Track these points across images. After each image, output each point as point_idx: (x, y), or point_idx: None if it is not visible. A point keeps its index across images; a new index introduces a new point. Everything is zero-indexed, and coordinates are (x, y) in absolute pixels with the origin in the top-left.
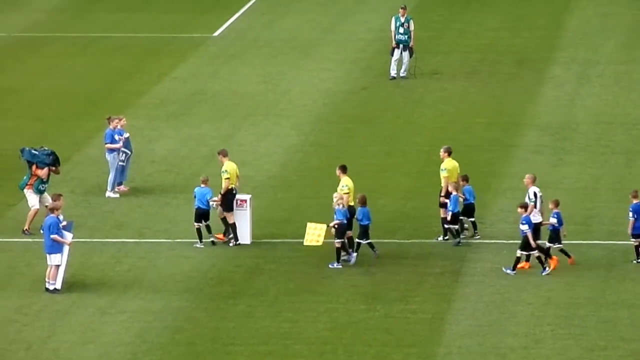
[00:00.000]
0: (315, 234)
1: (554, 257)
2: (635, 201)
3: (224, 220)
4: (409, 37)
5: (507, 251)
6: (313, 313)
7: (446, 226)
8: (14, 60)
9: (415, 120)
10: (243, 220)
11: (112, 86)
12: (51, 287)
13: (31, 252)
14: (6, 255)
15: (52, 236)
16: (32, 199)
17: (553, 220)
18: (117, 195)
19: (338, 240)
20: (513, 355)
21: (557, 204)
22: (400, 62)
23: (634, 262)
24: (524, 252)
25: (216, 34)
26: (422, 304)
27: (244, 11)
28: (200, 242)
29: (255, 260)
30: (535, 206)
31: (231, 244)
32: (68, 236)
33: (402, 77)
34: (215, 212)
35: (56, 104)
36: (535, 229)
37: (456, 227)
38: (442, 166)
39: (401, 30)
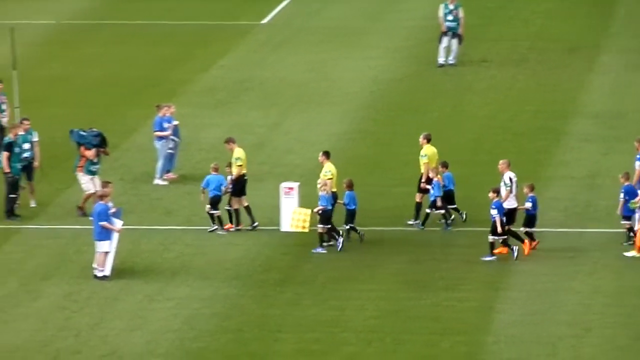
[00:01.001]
0: (300, 219)
1: (526, 241)
2: (626, 183)
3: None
4: (458, 24)
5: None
6: (360, 301)
7: (429, 211)
8: (63, 48)
9: (464, 108)
10: (291, 207)
11: (161, 74)
12: (100, 274)
13: (80, 239)
14: (55, 242)
15: (101, 223)
16: (85, 182)
17: (528, 205)
18: (166, 183)
19: (321, 226)
20: (561, 344)
21: (532, 188)
22: (448, 49)
23: (624, 244)
24: (496, 237)
25: (264, 21)
26: (470, 292)
27: None
28: (222, 227)
29: (302, 248)
30: (511, 191)
31: (249, 228)
32: (117, 223)
33: (450, 64)
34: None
35: (105, 91)
36: (511, 213)
37: (442, 211)
38: (422, 152)
39: (450, 17)
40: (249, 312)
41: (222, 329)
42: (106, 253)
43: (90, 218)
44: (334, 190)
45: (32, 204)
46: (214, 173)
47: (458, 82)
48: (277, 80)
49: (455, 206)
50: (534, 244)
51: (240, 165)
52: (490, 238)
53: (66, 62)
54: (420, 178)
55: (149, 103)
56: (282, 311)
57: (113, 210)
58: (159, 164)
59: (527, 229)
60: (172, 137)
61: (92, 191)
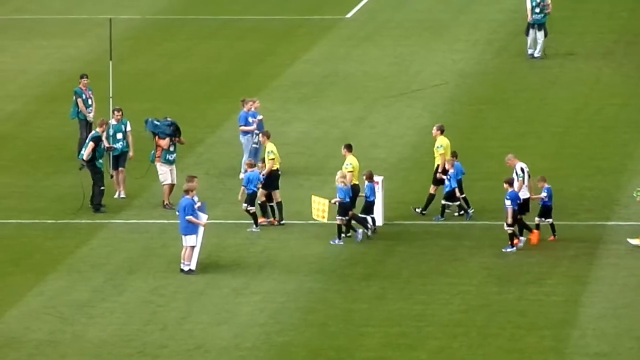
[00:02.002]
0: (320, 209)
1: (534, 230)
2: None
3: (262, 203)
4: (545, 17)
5: None
6: (446, 295)
7: (448, 203)
8: (148, 43)
9: (550, 101)
10: (375, 201)
11: (246, 69)
12: (186, 268)
13: (166, 233)
14: (142, 236)
15: (187, 217)
16: (162, 172)
17: (543, 194)
18: None
19: (339, 217)
20: None
21: (544, 179)
22: (534, 41)
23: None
24: (512, 228)
25: (348, 15)
26: (556, 286)
27: None
28: (257, 225)
29: (387, 242)
30: (523, 182)
31: (276, 224)
32: (203, 217)
33: (536, 57)
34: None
35: (190, 86)
36: (524, 203)
37: (457, 203)
38: (437, 144)
39: (537, 9)
40: (334, 306)
41: (307, 322)
42: (192, 247)
43: (176, 212)
44: (356, 182)
45: (122, 195)
46: (250, 170)
47: (544, 75)
48: (361, 74)
49: (463, 195)
50: (553, 237)
51: (273, 159)
52: (507, 229)
53: (151, 57)
54: (436, 169)
55: (234, 98)
56: (368, 305)
57: (198, 204)
58: (245, 158)
59: (542, 220)
60: (257, 131)
61: (168, 182)
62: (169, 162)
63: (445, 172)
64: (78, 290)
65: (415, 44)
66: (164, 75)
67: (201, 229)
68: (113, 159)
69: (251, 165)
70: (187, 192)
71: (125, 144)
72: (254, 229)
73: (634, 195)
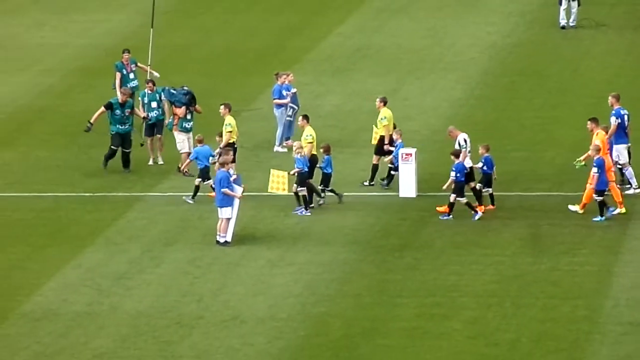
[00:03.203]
0: (279, 181)
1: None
2: (597, 156)
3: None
4: None
5: None
6: (479, 265)
7: (392, 172)
8: (185, 17)
9: (582, 73)
10: (408, 173)
11: (280, 42)
12: (222, 240)
13: (202, 205)
14: (178, 208)
15: (222, 190)
16: (179, 140)
17: (479, 165)
18: (285, 150)
19: (300, 188)
20: None
21: (487, 148)
22: (568, 11)
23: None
24: (458, 198)
25: None
26: (589, 256)
27: None
28: (193, 197)
29: (421, 214)
30: (468, 151)
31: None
32: (238, 190)
33: (571, 26)
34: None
35: (226, 60)
36: (469, 172)
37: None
38: (381, 115)
39: None
40: (368, 277)
41: (342, 293)
42: (228, 219)
43: (212, 185)
44: (314, 153)
45: (160, 161)
46: (199, 145)
47: (576, 46)
48: (395, 47)
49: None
50: (492, 206)
51: (230, 132)
52: (452, 198)
53: (187, 32)
54: (380, 140)
55: (268, 71)
56: (402, 276)
57: (234, 177)
58: (279, 132)
59: (484, 188)
60: (290, 104)
61: (186, 150)
62: (186, 130)
63: (391, 142)
64: (115, 263)
65: (448, 17)
66: (200, 49)
67: (237, 201)
68: (148, 126)
69: (200, 141)
70: (222, 165)
71: (160, 112)
72: (189, 200)
73: (575, 164)
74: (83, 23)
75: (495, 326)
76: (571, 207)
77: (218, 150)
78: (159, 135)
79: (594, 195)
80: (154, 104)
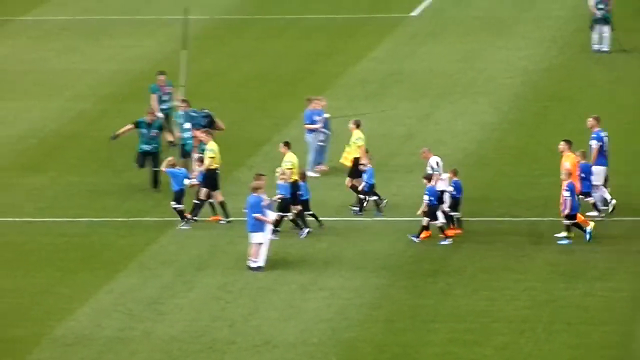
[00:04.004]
0: None
1: (451, 226)
2: (582, 161)
3: (202, 202)
4: (609, 12)
5: None
6: (511, 291)
7: (360, 196)
8: (216, 42)
9: (615, 98)
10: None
11: (311, 67)
12: (254, 265)
13: (233, 230)
14: (209, 233)
15: (254, 215)
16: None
17: (450, 189)
18: (317, 175)
19: (278, 214)
20: None
21: (455, 172)
22: (600, 36)
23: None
24: (431, 222)
25: (413, 13)
26: (622, 282)
27: None
28: (185, 221)
29: (453, 239)
30: (439, 175)
31: (223, 222)
32: (270, 215)
33: (604, 51)
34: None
35: (257, 85)
36: (440, 196)
37: (372, 197)
38: (355, 137)
39: (601, 5)
40: (400, 302)
41: (373, 318)
42: (260, 244)
43: (244, 210)
44: (295, 179)
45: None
46: (172, 169)
47: (609, 72)
48: (427, 72)
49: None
50: (457, 231)
51: (212, 157)
52: (425, 222)
53: (219, 57)
54: (355, 162)
55: (299, 96)
56: (434, 301)
57: (266, 202)
58: (310, 157)
59: (453, 213)
60: (322, 129)
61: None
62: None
63: (361, 164)
64: (148, 287)
65: (480, 41)
66: (231, 74)
67: (268, 226)
68: (180, 147)
69: (172, 166)
70: (254, 190)
71: (190, 134)
72: (184, 227)
73: None
74: (113, 48)
75: (528, 352)
76: (559, 236)
77: (196, 174)
78: (189, 158)
79: (565, 220)
80: (187, 125)
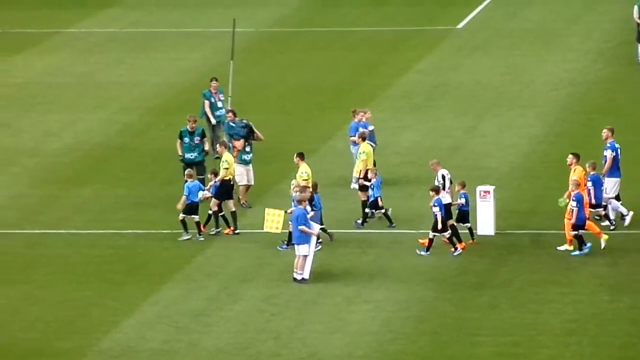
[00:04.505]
0: (274, 220)
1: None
2: (592, 172)
3: (215, 213)
4: None
5: None
6: (558, 304)
7: (372, 211)
8: (262, 55)
9: None
10: (487, 211)
11: (357, 79)
12: (299, 277)
13: (279, 242)
14: (254, 246)
15: (299, 227)
16: (238, 173)
17: (462, 201)
18: None
19: (321, 227)
20: None
21: (463, 185)
22: None
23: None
24: (436, 234)
25: (460, 25)
26: None
27: (488, 3)
28: (187, 232)
29: (499, 251)
30: (444, 187)
31: (225, 231)
32: (315, 227)
33: None
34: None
35: (303, 97)
36: (446, 209)
37: (382, 211)
38: (360, 150)
39: None
40: (445, 315)
41: (419, 331)
42: (305, 256)
43: (289, 222)
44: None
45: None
46: (189, 180)
47: None
48: (473, 84)
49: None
50: (472, 241)
51: (227, 169)
52: (431, 234)
53: (264, 69)
54: (359, 175)
55: (345, 108)
56: (480, 314)
57: (311, 214)
58: (355, 169)
59: (461, 224)
60: (368, 141)
61: (244, 183)
62: (245, 163)
63: (367, 179)
64: (193, 299)
65: (527, 54)
66: (277, 86)
67: (314, 239)
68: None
69: (190, 176)
70: (299, 202)
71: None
72: (185, 237)
73: (559, 203)
74: (160, 61)
75: None
76: (559, 248)
77: (210, 185)
78: None
79: (571, 231)
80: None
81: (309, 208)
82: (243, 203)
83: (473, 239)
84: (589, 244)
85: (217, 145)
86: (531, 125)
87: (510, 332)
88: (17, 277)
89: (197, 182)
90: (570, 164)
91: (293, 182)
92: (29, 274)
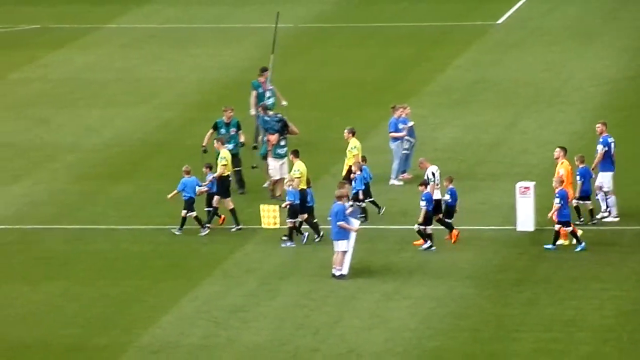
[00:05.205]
0: (270, 216)
1: (456, 229)
2: (581, 165)
3: (214, 209)
4: None
5: None
6: (597, 300)
7: (357, 204)
8: (300, 51)
9: None
10: (527, 207)
11: (396, 75)
12: (338, 273)
13: (310, 239)
14: (293, 241)
15: (338, 223)
16: (272, 168)
17: (447, 197)
18: (401, 183)
19: (290, 220)
20: None
21: (451, 180)
22: None
23: (579, 222)
24: (423, 227)
25: (499, 21)
26: None
27: None
28: (180, 228)
29: (539, 248)
30: (436, 184)
31: (233, 229)
32: (354, 223)
33: None
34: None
35: (341, 93)
36: (436, 204)
37: (363, 205)
38: (351, 145)
39: None
40: (485, 312)
41: (459, 328)
42: (344, 252)
43: (328, 218)
44: (303, 187)
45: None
46: (186, 176)
47: None
48: (512, 80)
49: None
50: (454, 233)
51: (225, 165)
52: (416, 227)
53: (303, 65)
54: (349, 170)
55: (384, 104)
56: (519, 311)
57: (350, 210)
58: (395, 165)
59: (447, 220)
60: (407, 137)
61: (276, 177)
62: (279, 157)
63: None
64: (232, 295)
65: (566, 50)
66: (315, 82)
67: (353, 235)
68: (264, 150)
69: (187, 172)
70: (339, 198)
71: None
72: (177, 232)
73: None
74: (199, 57)
75: None
76: (557, 243)
77: (209, 180)
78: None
79: (556, 225)
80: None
81: (348, 205)
82: (279, 196)
83: (450, 235)
84: (583, 244)
85: (215, 142)
86: (571, 121)
87: (549, 328)
88: (57, 273)
89: (194, 177)
90: (557, 158)
91: (287, 176)
92: (68, 269)
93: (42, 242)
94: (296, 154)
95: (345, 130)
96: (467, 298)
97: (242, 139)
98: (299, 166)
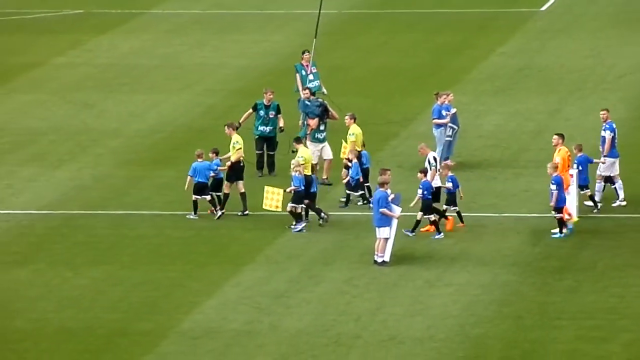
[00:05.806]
0: (273, 198)
1: (449, 217)
2: (579, 154)
3: (225, 195)
4: None
5: None
6: (639, 288)
7: (353, 192)
8: (344, 37)
9: None
10: (570, 195)
11: (440, 62)
12: (380, 260)
13: (360, 225)
14: (335, 228)
15: (381, 210)
16: (312, 151)
17: (449, 185)
18: None
19: (292, 205)
20: None
21: (449, 167)
22: None
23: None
24: (425, 216)
25: (543, 8)
26: None
27: None
28: (195, 213)
29: (582, 235)
30: (437, 170)
31: (239, 214)
32: (397, 210)
33: None
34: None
35: (385, 80)
36: (436, 191)
37: (356, 193)
38: (350, 131)
39: None
40: (528, 299)
41: (502, 315)
42: (386, 239)
43: (370, 205)
44: (307, 174)
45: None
46: (199, 160)
47: None
48: (556, 67)
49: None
50: (462, 224)
51: (240, 149)
52: (419, 216)
53: (347, 52)
54: (349, 155)
55: (428, 91)
56: (562, 298)
57: (392, 197)
58: (438, 151)
59: (449, 207)
60: (450, 124)
61: (314, 162)
62: (319, 141)
63: (346, 158)
64: (274, 281)
65: (610, 37)
66: (358, 69)
67: (395, 221)
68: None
69: (199, 156)
70: (381, 185)
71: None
72: (192, 217)
73: None
74: (243, 43)
75: None
76: (553, 231)
77: (220, 168)
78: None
79: (553, 212)
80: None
81: (390, 191)
82: (324, 179)
83: (462, 222)
84: (570, 226)
85: (226, 128)
86: (614, 108)
87: (592, 316)
88: (101, 258)
89: (206, 162)
90: (556, 145)
91: (293, 161)
92: (112, 254)
93: (86, 227)
94: (298, 141)
95: (347, 116)
96: (510, 285)
97: (281, 123)
98: (303, 152)
